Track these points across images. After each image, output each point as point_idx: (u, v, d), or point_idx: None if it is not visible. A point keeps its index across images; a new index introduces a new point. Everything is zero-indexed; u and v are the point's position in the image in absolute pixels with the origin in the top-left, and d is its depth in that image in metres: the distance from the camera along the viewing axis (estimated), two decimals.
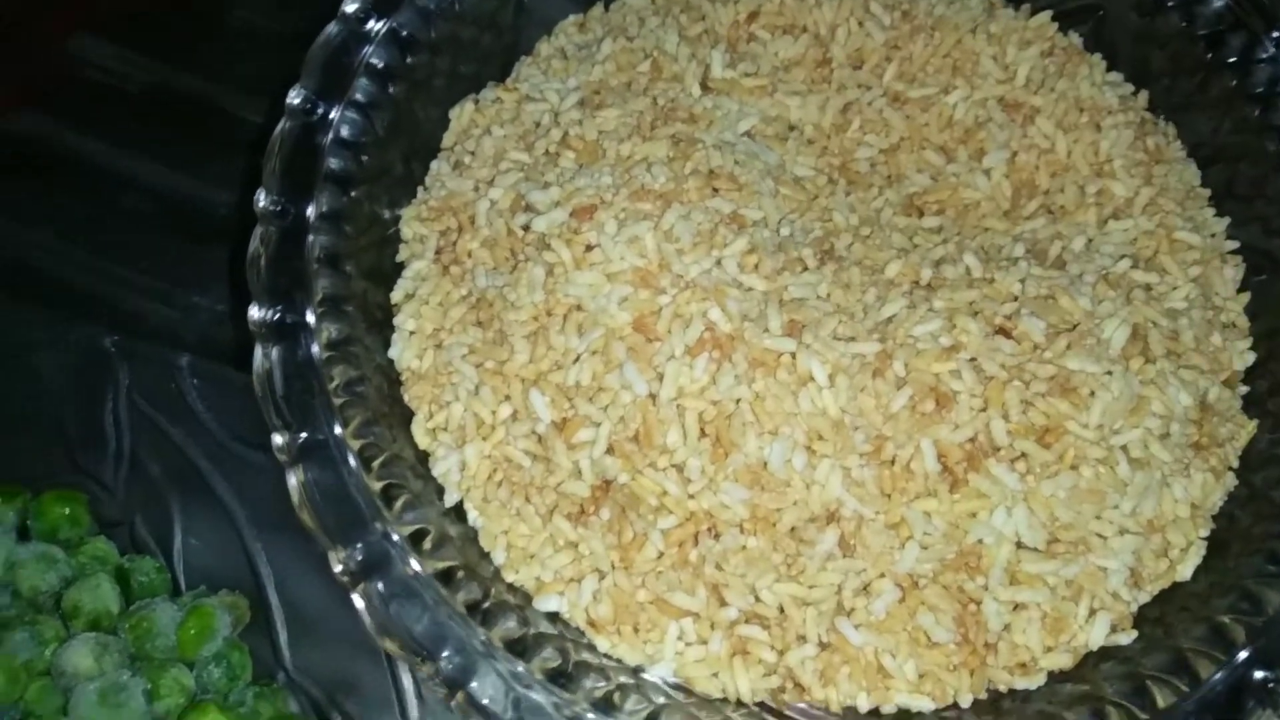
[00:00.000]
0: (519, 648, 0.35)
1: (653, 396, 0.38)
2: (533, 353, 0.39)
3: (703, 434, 0.38)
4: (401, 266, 0.44)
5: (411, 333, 0.41)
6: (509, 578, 0.38)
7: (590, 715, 0.34)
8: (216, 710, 0.38)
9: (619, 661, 0.37)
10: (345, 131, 0.41)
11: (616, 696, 0.35)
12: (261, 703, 0.40)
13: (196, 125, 0.53)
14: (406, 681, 0.41)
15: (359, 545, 0.35)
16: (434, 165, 0.45)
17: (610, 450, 0.38)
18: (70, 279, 0.48)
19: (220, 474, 0.44)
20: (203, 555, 0.43)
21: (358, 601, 0.35)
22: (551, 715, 0.34)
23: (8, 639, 0.39)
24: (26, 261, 0.49)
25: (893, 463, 0.38)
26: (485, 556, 0.39)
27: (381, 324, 0.42)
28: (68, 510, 0.42)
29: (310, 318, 0.38)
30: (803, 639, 0.37)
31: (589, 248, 0.39)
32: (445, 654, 0.34)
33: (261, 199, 0.39)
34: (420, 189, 0.45)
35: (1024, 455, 0.38)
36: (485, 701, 0.34)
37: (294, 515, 0.42)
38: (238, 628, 0.42)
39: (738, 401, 0.38)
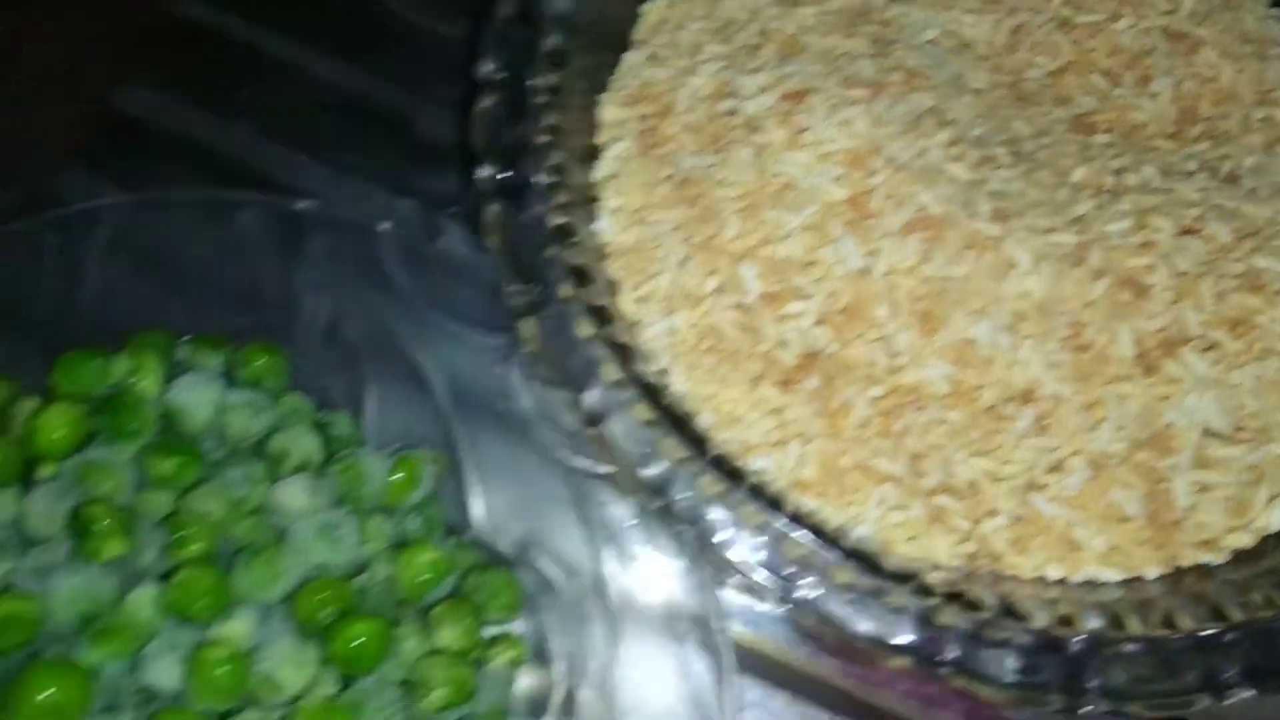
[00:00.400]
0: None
1: (865, 272, 0.40)
2: (743, 227, 0.41)
3: (911, 310, 0.40)
4: (596, 151, 0.45)
5: (615, 210, 0.43)
6: (717, 438, 0.40)
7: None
8: (432, 549, 0.40)
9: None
10: (559, 7, 0.43)
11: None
12: (462, 551, 0.42)
13: (367, 19, 0.55)
14: (600, 543, 0.43)
15: (591, 392, 0.37)
16: (627, 56, 0.47)
17: (819, 322, 0.40)
18: (261, 159, 0.51)
19: (416, 342, 0.45)
20: (395, 419, 0.45)
21: (594, 437, 0.37)
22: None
23: (222, 476, 0.41)
24: (222, 147, 0.51)
25: (1090, 347, 0.40)
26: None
27: (582, 204, 0.43)
28: (271, 361, 0.43)
29: (535, 179, 0.40)
30: (994, 512, 0.39)
31: (801, 130, 0.41)
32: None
33: (485, 66, 0.41)
34: (612, 78, 0.47)
35: (1215, 345, 0.40)
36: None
37: (490, 383, 0.45)
38: (436, 483, 0.43)
39: (946, 281, 0.39)
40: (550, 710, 0.41)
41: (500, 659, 0.41)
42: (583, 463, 0.42)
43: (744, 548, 0.36)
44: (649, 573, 0.41)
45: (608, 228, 0.43)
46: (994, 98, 0.47)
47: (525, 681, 0.42)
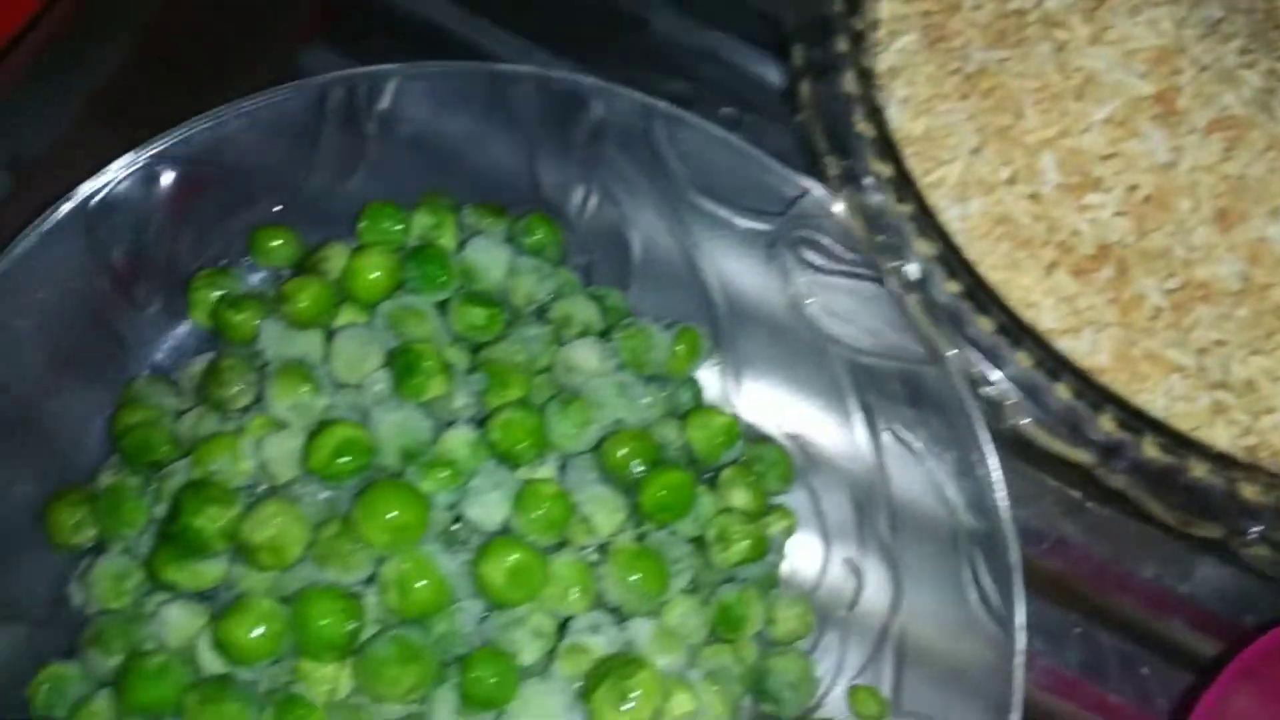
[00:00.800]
0: None
1: (1169, 166, 0.41)
2: (1042, 119, 0.42)
3: (1210, 207, 0.40)
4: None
5: (903, 100, 0.44)
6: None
7: None
8: (725, 414, 0.41)
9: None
10: None
11: None
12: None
13: None
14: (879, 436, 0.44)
15: (903, 261, 0.38)
16: None
17: (1118, 213, 0.41)
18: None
19: (683, 225, 0.46)
20: (659, 299, 0.45)
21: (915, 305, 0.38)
22: None
23: (516, 334, 0.42)
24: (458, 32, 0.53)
25: None
26: None
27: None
28: (550, 232, 0.44)
29: (843, 57, 0.41)
30: (1271, 410, 0.40)
31: (1104, 27, 0.42)
32: None
33: None
34: None
35: None
36: None
37: (755, 270, 0.45)
38: (705, 359, 0.44)
39: (1246, 180, 0.40)
40: (822, 586, 0.43)
41: (775, 528, 0.42)
42: (864, 352, 0.43)
43: (1053, 420, 0.37)
44: (932, 477, 0.42)
45: (895, 117, 0.44)
46: (1257, 20, 0.48)
47: (799, 555, 0.43)
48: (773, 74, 0.54)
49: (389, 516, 0.35)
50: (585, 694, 0.34)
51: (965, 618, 0.40)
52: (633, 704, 0.33)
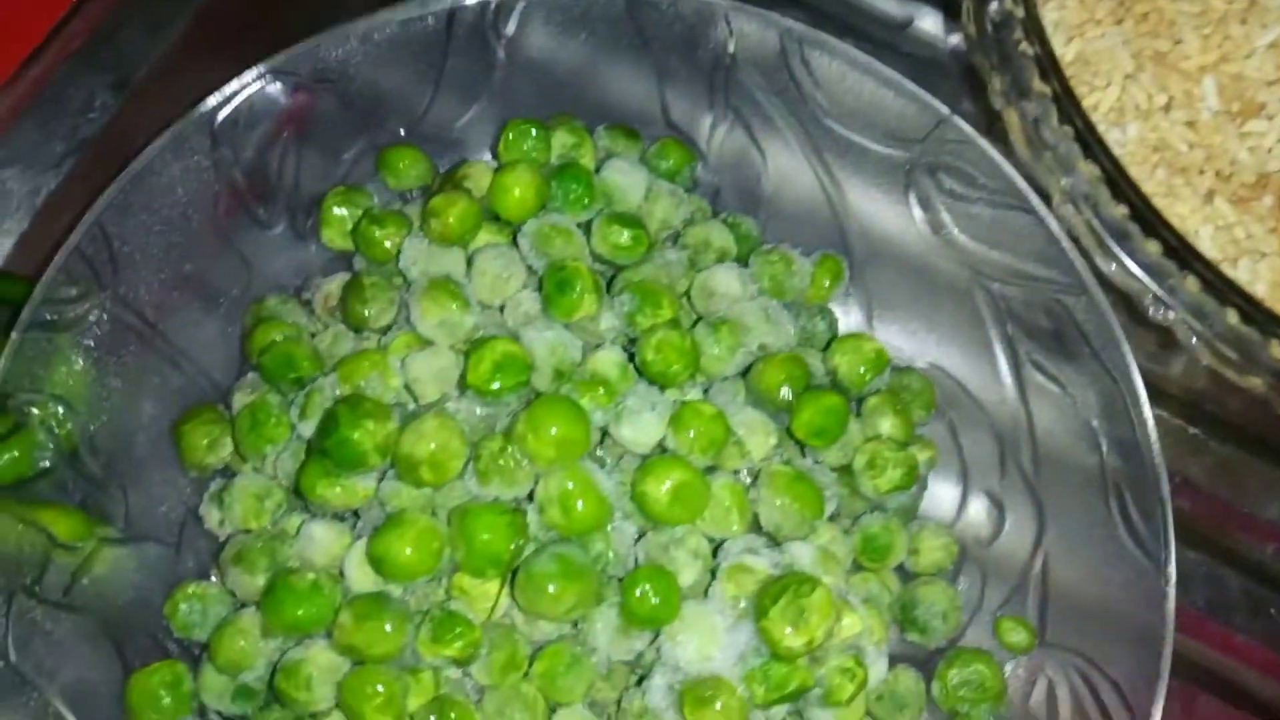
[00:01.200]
0: None
1: None
2: (1202, 44, 0.41)
3: None
4: None
5: (1056, 24, 0.43)
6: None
7: None
8: (875, 340, 0.40)
9: None
10: None
11: None
12: None
13: None
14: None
15: (1068, 179, 0.37)
16: None
17: None
18: None
19: (814, 147, 0.45)
20: (791, 227, 0.45)
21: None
22: None
23: (657, 257, 0.41)
24: None
25: None
26: None
27: None
28: (684, 157, 0.43)
29: None
30: None
31: None
32: None
33: None
34: None
35: None
36: None
37: (890, 198, 0.44)
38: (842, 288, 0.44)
39: None
40: (961, 520, 0.42)
41: (921, 457, 0.41)
42: (1008, 282, 0.42)
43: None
44: (1078, 410, 0.41)
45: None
46: None
47: (937, 489, 0.42)
48: (888, 4, 0.53)
49: (554, 431, 0.34)
50: (757, 614, 0.33)
51: (1113, 552, 0.40)
52: (808, 623, 0.32)
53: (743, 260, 0.42)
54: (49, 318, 0.38)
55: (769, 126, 0.45)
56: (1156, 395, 0.40)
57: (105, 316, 0.40)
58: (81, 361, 0.39)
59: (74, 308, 0.39)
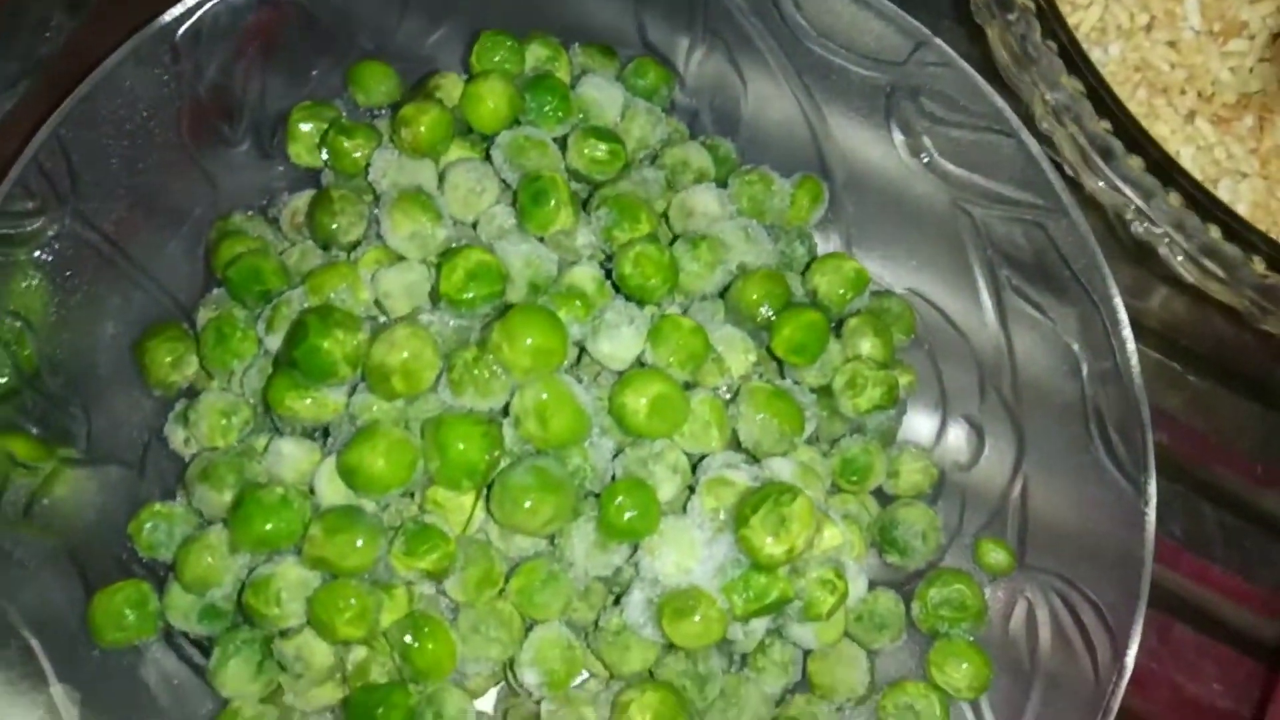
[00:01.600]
0: None
1: None
2: None
3: None
4: None
5: None
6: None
7: None
8: (854, 260, 0.40)
9: None
10: None
11: None
12: None
13: None
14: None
15: (1052, 94, 0.37)
16: None
17: (1263, 59, 0.39)
18: None
19: (794, 70, 0.44)
20: (769, 149, 0.44)
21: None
22: None
23: (633, 175, 0.40)
24: None
25: None
26: None
27: None
28: (661, 76, 0.43)
29: None
30: None
31: None
32: None
33: None
34: None
35: None
36: None
37: (870, 121, 0.44)
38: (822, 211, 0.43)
39: None
40: (940, 446, 0.42)
41: (902, 380, 0.40)
42: (988, 205, 0.41)
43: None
44: (1058, 334, 0.41)
45: None
46: None
47: (916, 414, 0.42)
48: None
49: (530, 341, 0.33)
50: (737, 523, 0.33)
51: (1093, 476, 0.39)
52: (788, 531, 0.32)
53: (721, 182, 0.41)
54: (6, 232, 0.37)
55: (748, 48, 0.45)
56: (1135, 330, 0.40)
57: (64, 232, 0.39)
58: (40, 279, 0.38)
59: (31, 221, 0.38)
